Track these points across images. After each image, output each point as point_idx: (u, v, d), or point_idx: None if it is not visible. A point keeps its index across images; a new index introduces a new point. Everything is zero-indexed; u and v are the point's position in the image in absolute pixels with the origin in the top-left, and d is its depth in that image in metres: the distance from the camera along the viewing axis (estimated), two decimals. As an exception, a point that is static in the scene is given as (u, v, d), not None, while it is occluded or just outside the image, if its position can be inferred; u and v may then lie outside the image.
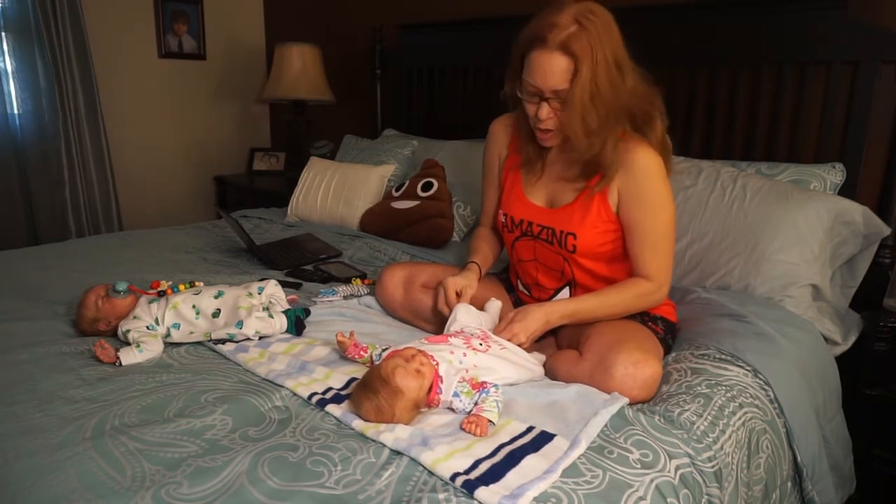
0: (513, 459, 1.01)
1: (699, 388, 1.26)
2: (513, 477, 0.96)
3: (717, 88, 2.13)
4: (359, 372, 1.26)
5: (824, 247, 1.71)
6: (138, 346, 1.35)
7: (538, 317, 1.38)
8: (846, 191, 1.84)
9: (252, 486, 0.94)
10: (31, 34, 2.92)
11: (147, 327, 1.41)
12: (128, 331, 1.40)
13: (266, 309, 1.47)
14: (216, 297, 1.48)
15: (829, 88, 1.92)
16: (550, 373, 1.36)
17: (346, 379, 1.25)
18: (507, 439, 1.07)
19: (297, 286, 1.82)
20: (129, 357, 1.32)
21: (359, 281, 1.86)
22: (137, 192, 3.49)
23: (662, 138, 1.39)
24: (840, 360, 1.62)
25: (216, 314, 1.46)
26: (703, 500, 1.06)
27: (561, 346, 1.49)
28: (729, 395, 1.26)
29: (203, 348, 1.43)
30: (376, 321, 1.60)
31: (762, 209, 1.73)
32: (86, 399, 1.17)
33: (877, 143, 1.89)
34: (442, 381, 1.16)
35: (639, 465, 1.03)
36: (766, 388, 1.33)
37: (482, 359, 1.25)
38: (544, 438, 1.07)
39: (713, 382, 1.28)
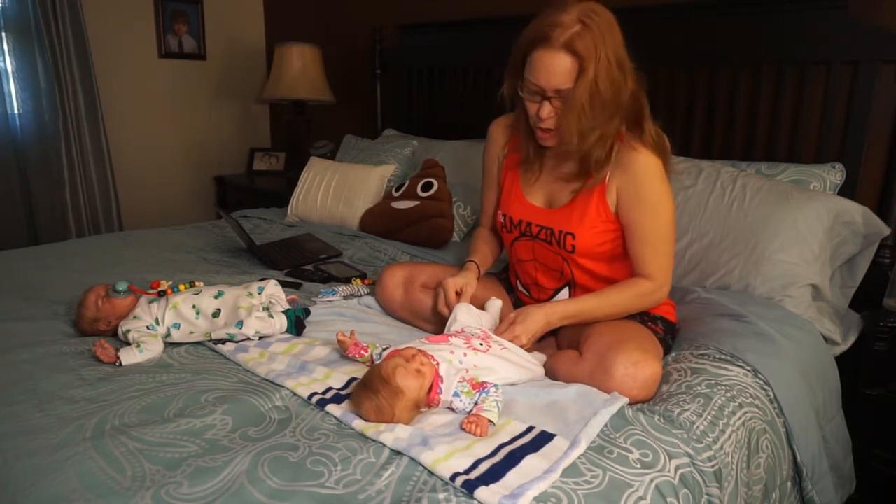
0: (513, 459, 1.01)
1: (699, 388, 1.26)
2: (513, 477, 0.96)
3: (716, 88, 2.13)
4: (359, 372, 1.26)
5: (824, 247, 1.71)
6: (138, 346, 1.35)
7: (539, 318, 1.38)
8: (846, 191, 1.85)
9: (252, 486, 0.94)
10: (31, 34, 2.92)
11: (147, 327, 1.42)
12: (128, 331, 1.40)
13: (266, 309, 1.47)
14: (216, 297, 1.48)
15: (829, 88, 1.92)
16: (550, 373, 1.37)
17: (346, 379, 1.25)
18: (507, 439, 1.07)
19: (297, 286, 1.82)
20: (129, 357, 1.32)
21: (359, 281, 1.86)
22: (137, 192, 3.49)
23: (655, 137, 1.39)
24: (840, 360, 1.62)
25: (216, 314, 1.46)
26: (703, 499, 1.06)
27: (561, 347, 1.49)
28: (729, 394, 1.26)
29: (203, 348, 1.43)
30: (376, 321, 1.60)
31: (762, 209, 1.73)
32: (86, 399, 1.17)
33: (877, 143, 1.89)
34: (442, 381, 1.16)
35: (639, 465, 1.03)
36: (766, 388, 1.33)
37: (482, 359, 1.25)
38: (544, 438, 1.07)
39: (713, 382, 1.29)
